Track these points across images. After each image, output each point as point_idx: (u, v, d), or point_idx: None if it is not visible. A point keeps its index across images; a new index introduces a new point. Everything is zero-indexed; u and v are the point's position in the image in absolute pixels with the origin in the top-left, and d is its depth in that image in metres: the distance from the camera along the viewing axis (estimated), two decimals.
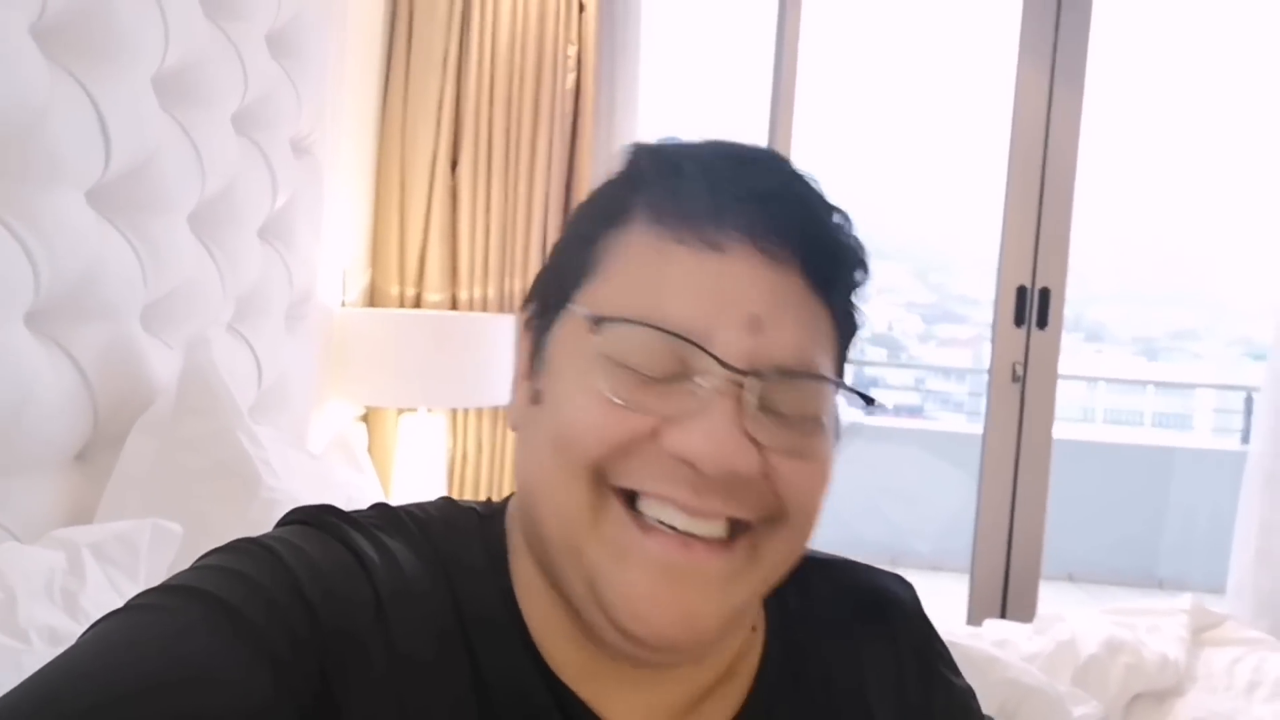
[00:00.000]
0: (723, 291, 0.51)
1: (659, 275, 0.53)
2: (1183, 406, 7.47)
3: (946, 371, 8.57)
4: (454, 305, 2.57)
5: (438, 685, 0.51)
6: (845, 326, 0.57)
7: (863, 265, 0.57)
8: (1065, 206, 2.86)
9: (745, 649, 0.61)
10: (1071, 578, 4.96)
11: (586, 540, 0.51)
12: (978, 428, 3.02)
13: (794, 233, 0.53)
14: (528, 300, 0.60)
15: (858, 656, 0.64)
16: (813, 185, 0.56)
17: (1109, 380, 7.55)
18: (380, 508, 0.59)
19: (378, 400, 2.34)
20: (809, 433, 0.53)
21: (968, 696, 0.70)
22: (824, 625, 0.64)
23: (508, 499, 0.62)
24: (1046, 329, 2.88)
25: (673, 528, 0.51)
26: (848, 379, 0.58)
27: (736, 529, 0.52)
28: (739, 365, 0.50)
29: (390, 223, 2.55)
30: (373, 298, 2.56)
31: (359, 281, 2.49)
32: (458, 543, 0.57)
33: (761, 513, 0.52)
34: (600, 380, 0.51)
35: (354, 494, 1.63)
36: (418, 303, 2.55)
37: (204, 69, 1.49)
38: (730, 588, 0.52)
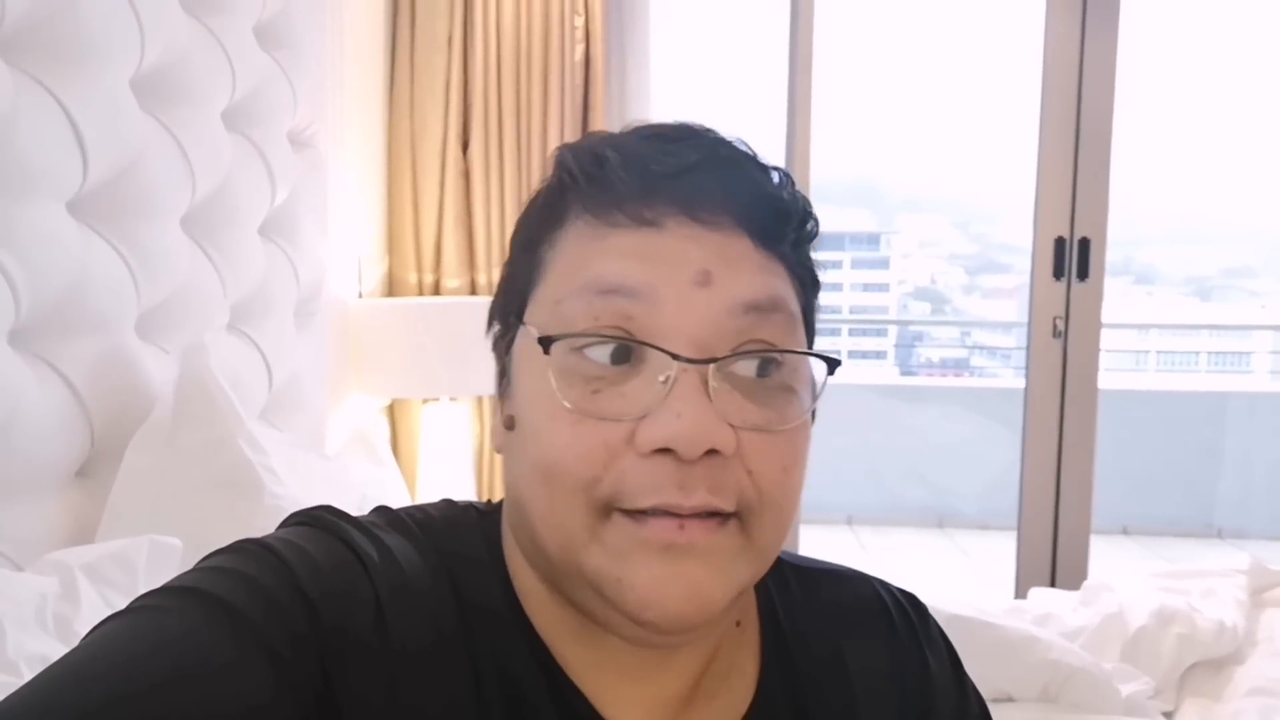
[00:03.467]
0: (661, 254, 0.51)
1: (598, 254, 0.53)
2: (1240, 345, 7.21)
3: (992, 325, 8.39)
4: (473, 289, 2.53)
5: (436, 680, 0.52)
6: (803, 282, 0.57)
7: (808, 219, 0.57)
8: (1103, 151, 2.73)
9: (734, 645, 0.61)
10: (1126, 531, 4.84)
11: (587, 554, 0.51)
12: (1023, 381, 2.92)
13: (729, 198, 0.53)
14: (490, 322, 0.60)
15: (845, 669, 0.63)
16: (742, 149, 0.56)
17: (1161, 326, 7.32)
18: (380, 509, 0.60)
19: (399, 392, 2.32)
20: (780, 406, 0.52)
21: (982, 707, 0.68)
22: (812, 639, 0.63)
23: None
24: (1088, 280, 2.77)
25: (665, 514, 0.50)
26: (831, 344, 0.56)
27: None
28: (694, 327, 0.50)
29: (404, 209, 2.51)
30: (391, 286, 2.53)
31: (376, 271, 2.46)
32: (459, 538, 0.58)
33: (740, 500, 0.51)
34: (563, 398, 0.51)
35: (369, 492, 1.60)
36: (437, 289, 2.52)
37: (187, 67, 1.44)
38: (731, 565, 0.51)
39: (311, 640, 0.48)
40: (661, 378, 0.50)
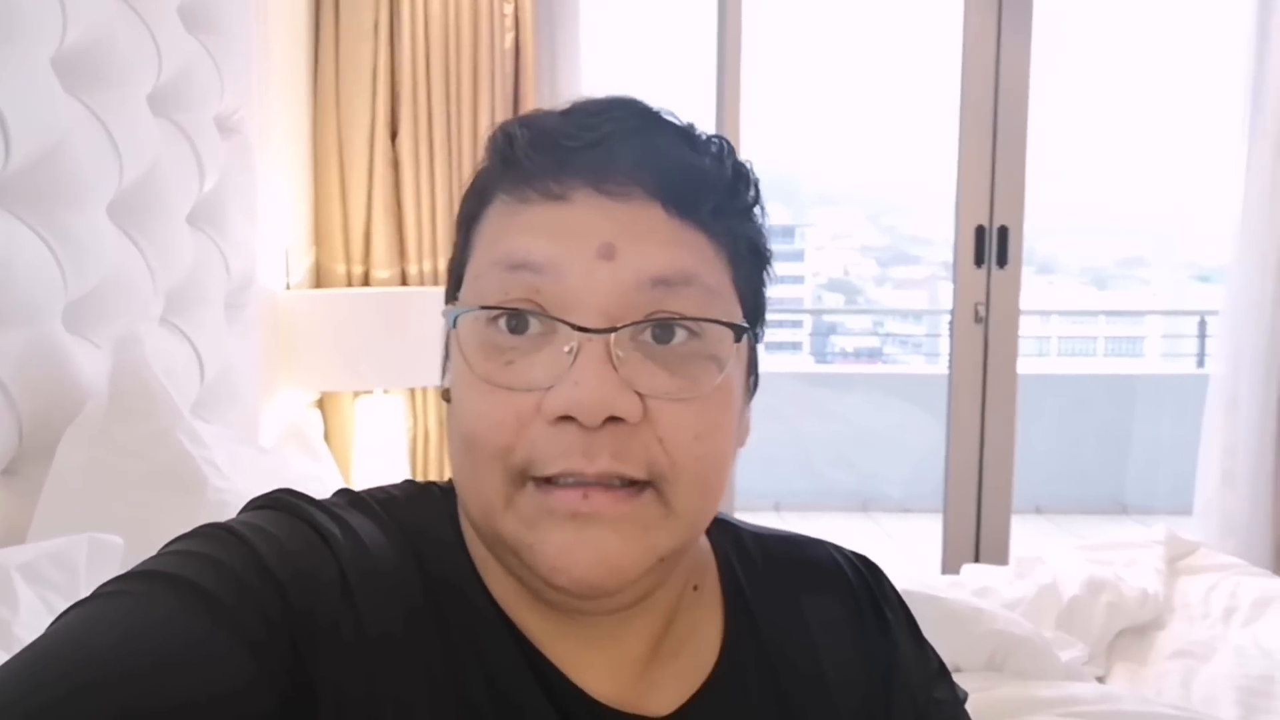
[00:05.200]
0: (568, 228, 0.52)
1: (510, 231, 0.53)
2: (1134, 330, 7.58)
3: (903, 314, 8.61)
4: (404, 280, 2.48)
5: (408, 660, 0.52)
6: (734, 252, 0.55)
7: (739, 187, 0.56)
8: (1019, 144, 2.83)
9: (692, 608, 0.61)
10: (1039, 510, 5.03)
11: (502, 520, 0.52)
12: (938, 368, 3.02)
13: (637, 168, 0.52)
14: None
15: (807, 630, 0.64)
16: (662, 119, 0.55)
17: (1062, 312, 7.63)
18: (343, 491, 0.60)
19: (331, 385, 2.27)
20: (693, 374, 0.52)
21: (940, 671, 0.70)
22: (774, 600, 0.65)
23: None
24: (1006, 267, 2.87)
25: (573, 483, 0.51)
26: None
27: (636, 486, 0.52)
28: (599, 299, 0.50)
29: (332, 199, 2.45)
30: (319, 278, 2.46)
31: (303, 262, 2.39)
32: (423, 517, 0.58)
33: (650, 467, 0.51)
34: (476, 369, 0.52)
35: (310, 485, 1.54)
36: (366, 280, 2.47)
37: (111, 47, 1.38)
38: (646, 534, 0.51)
39: (282, 624, 0.48)
40: (566, 348, 0.50)
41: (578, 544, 0.50)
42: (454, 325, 0.53)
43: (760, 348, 0.60)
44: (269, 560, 0.50)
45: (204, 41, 1.65)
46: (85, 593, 0.99)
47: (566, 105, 0.56)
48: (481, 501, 0.52)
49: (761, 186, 0.58)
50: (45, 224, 1.23)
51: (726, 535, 0.66)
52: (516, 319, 0.51)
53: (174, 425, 1.25)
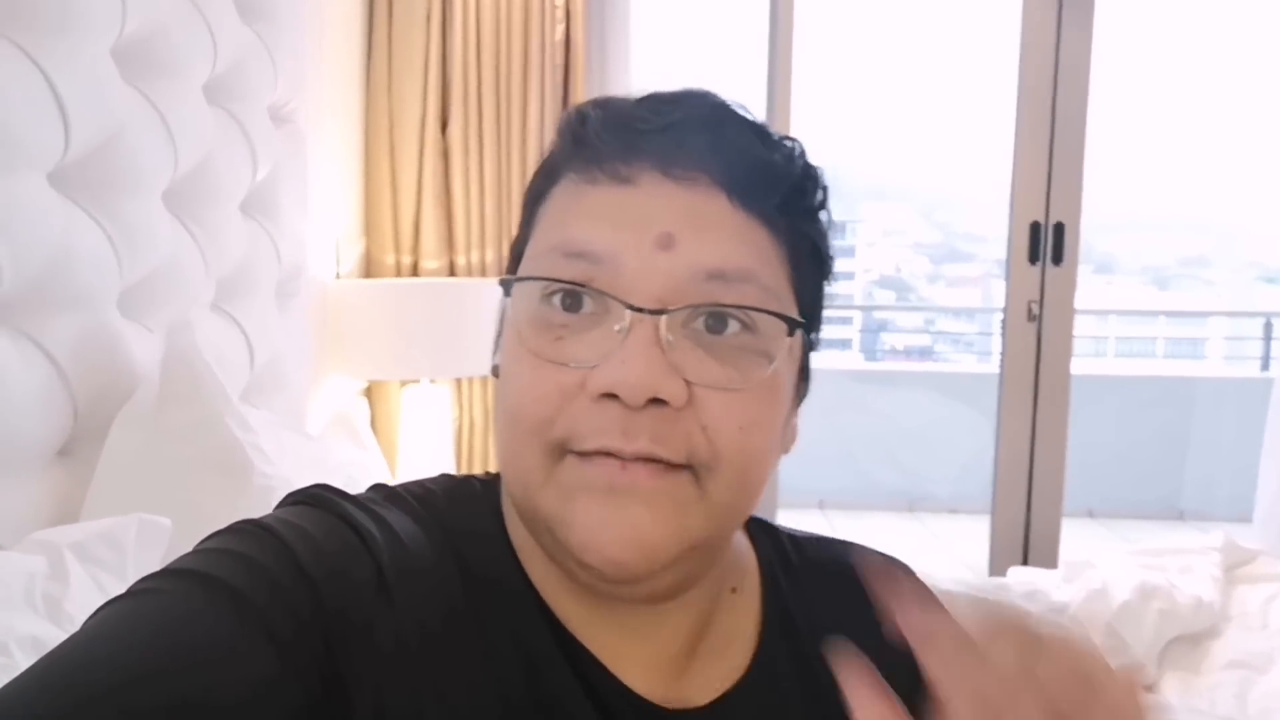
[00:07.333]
0: (630, 215, 0.52)
1: (572, 216, 0.53)
2: (1195, 332, 7.38)
3: (956, 311, 8.48)
4: (452, 271, 2.50)
5: (447, 658, 0.51)
6: (796, 250, 0.55)
7: (807, 186, 0.56)
8: (1078, 138, 2.76)
9: (730, 610, 0.61)
10: (1092, 514, 4.92)
11: (540, 494, 0.52)
12: (989, 367, 2.96)
13: (705, 153, 0.52)
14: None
15: (841, 631, 0.62)
16: (734, 111, 0.55)
17: (1120, 312, 7.45)
18: (378, 487, 0.59)
19: (378, 374, 2.29)
20: (743, 366, 0.52)
21: None
22: (810, 602, 0.64)
23: None
24: (1062, 265, 2.80)
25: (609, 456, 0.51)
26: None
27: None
28: (654, 286, 0.50)
29: (382, 190, 2.47)
30: (368, 268, 2.49)
31: (353, 252, 2.42)
32: (463, 513, 0.58)
33: (690, 454, 0.51)
34: (525, 343, 0.52)
35: (355, 473, 1.58)
36: (415, 270, 2.49)
37: (168, 37, 1.41)
38: (679, 514, 0.51)
39: (315, 621, 0.48)
40: (617, 327, 0.50)
41: (611, 520, 0.50)
42: (509, 294, 0.53)
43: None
44: (304, 559, 0.50)
45: (259, 32, 1.67)
46: (133, 571, 1.01)
47: (642, 94, 0.56)
48: (521, 475, 0.53)
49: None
50: (102, 211, 1.25)
51: (769, 539, 0.66)
52: (571, 297, 0.52)
53: (223, 410, 1.27)
